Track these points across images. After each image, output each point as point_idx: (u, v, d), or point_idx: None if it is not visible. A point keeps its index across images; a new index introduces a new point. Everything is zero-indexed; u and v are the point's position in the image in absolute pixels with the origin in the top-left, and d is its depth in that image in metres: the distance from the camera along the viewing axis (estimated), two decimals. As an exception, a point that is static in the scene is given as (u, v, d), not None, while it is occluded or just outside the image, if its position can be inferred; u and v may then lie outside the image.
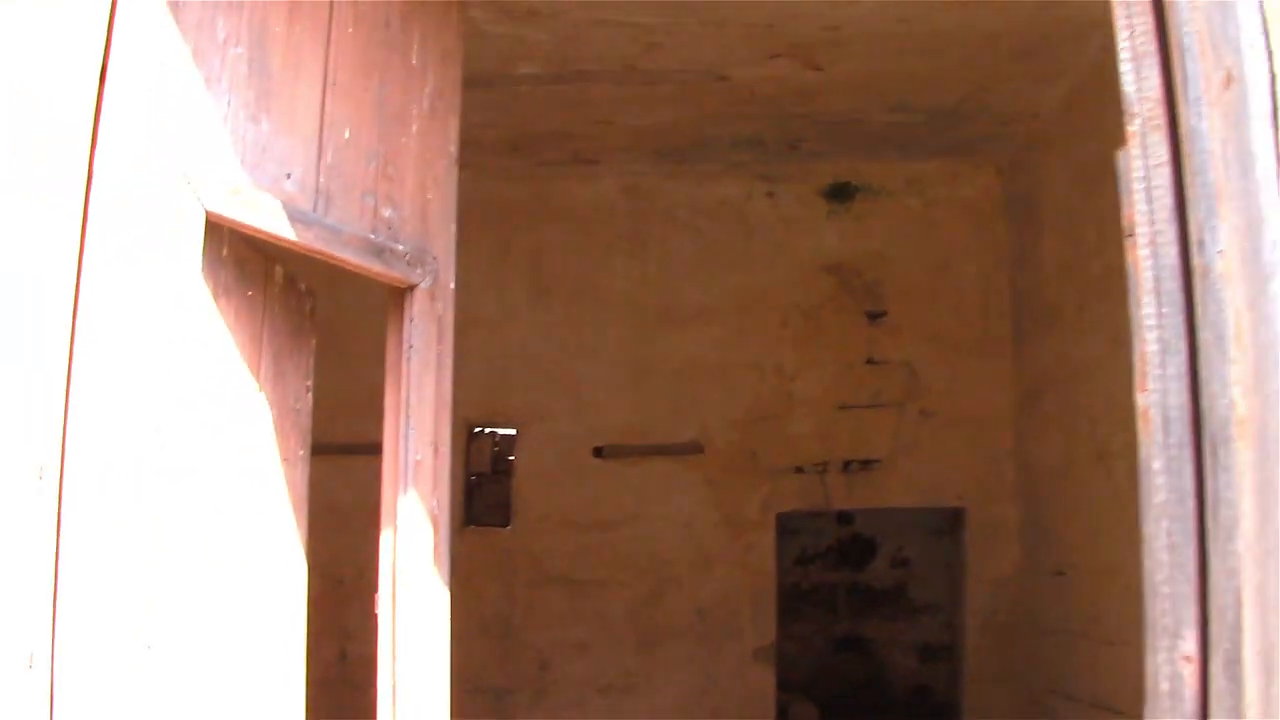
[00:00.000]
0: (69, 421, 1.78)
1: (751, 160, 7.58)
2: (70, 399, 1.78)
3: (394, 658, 2.27)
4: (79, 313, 1.82)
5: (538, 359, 7.60)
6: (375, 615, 2.35)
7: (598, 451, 7.66)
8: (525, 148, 7.22)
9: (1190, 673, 1.73)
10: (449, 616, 2.42)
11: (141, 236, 1.88)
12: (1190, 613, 1.72)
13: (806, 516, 8.02)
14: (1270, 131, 1.63)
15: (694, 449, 7.66)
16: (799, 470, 7.70)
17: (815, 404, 7.65)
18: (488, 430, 7.76)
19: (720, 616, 7.66)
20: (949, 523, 7.95)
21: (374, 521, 2.49)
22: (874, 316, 7.67)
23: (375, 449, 2.56)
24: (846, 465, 7.70)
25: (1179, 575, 1.73)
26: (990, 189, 7.79)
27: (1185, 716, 1.74)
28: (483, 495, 7.71)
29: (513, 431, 7.73)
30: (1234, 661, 1.64)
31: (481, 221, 7.27)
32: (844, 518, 8.37)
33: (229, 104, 2.07)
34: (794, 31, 5.77)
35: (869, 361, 7.64)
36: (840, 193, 7.81)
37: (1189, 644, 1.72)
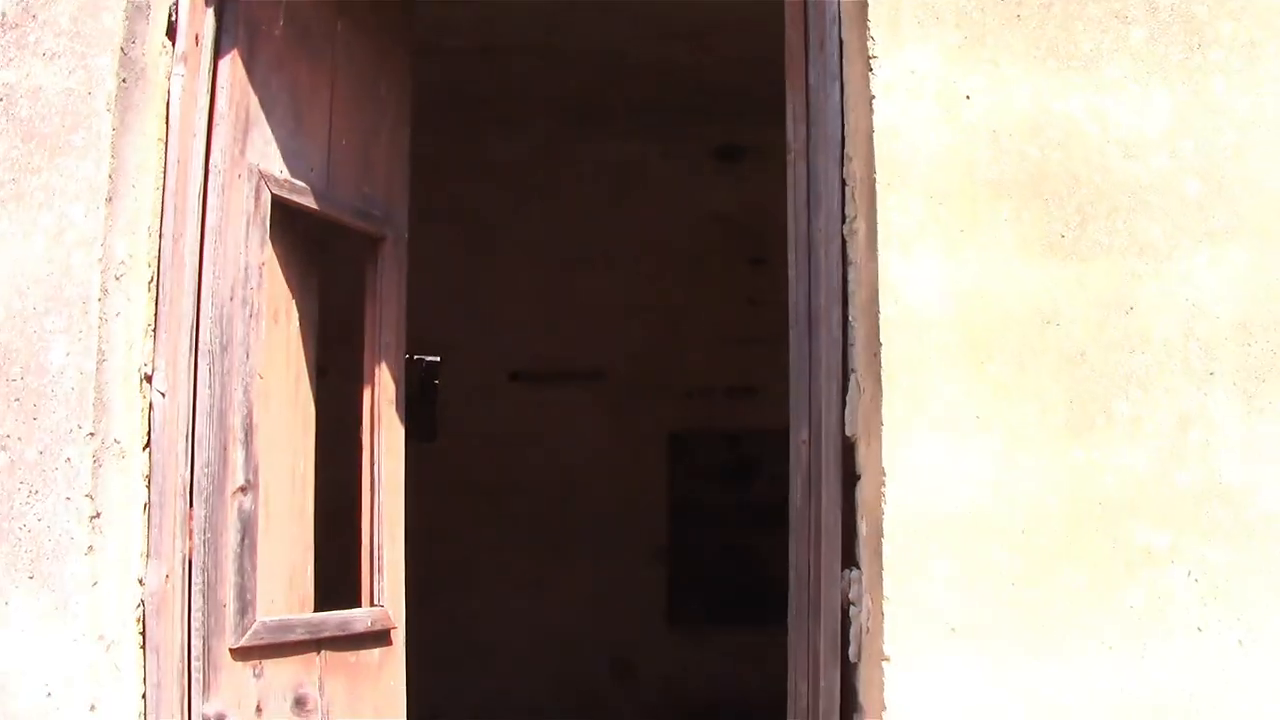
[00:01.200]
0: (200, 310, 3.53)
1: (650, 124, 9.35)
2: (201, 301, 3.54)
3: (372, 457, 4.06)
4: (204, 255, 3.57)
5: (462, 295, 9.37)
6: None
7: (514, 376, 9.47)
8: (456, 109, 8.97)
9: (803, 450, 3.52)
10: (404, 441, 4.21)
11: (237, 208, 3.64)
12: (805, 415, 3.52)
13: (698, 438, 9.83)
14: (837, 169, 3.43)
15: (597, 375, 9.49)
16: (689, 396, 9.57)
17: (703, 338, 9.48)
18: (416, 357, 9.52)
19: (620, 523, 9.49)
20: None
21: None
22: (756, 262, 9.48)
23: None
24: (730, 392, 9.55)
25: (801, 397, 3.53)
26: (863, 150, 9.60)
27: (803, 476, 3.54)
28: (413, 414, 9.38)
29: (439, 359, 9.53)
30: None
31: (415, 173, 9.01)
32: (732, 441, 10.15)
33: (279, 129, 3.82)
34: (682, 17, 7.55)
35: (750, 302, 9.46)
36: (729, 153, 9.60)
37: (804, 434, 3.52)
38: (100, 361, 3.22)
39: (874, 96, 3.24)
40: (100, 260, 3.25)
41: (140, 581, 3.34)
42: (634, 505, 9.53)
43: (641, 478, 9.54)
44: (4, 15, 3.41)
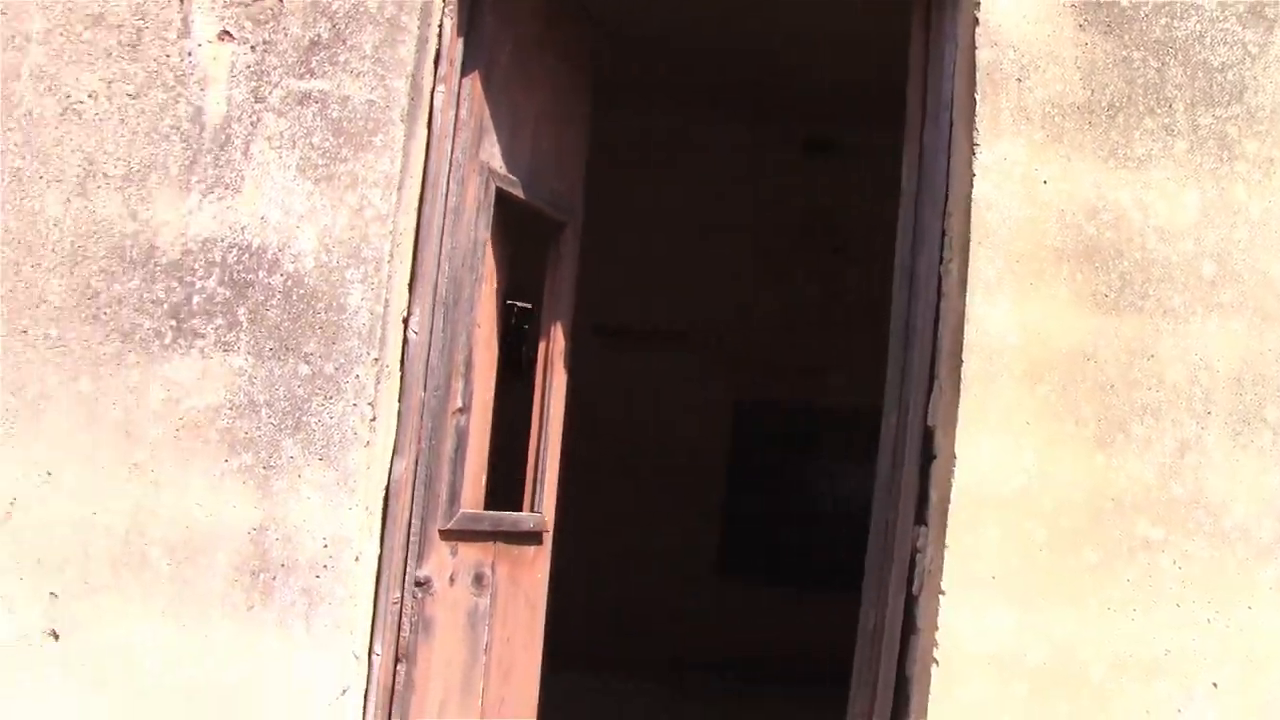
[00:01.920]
0: (440, 272, 4.84)
1: (750, 116, 10.66)
2: (441, 264, 4.85)
3: (543, 396, 5.39)
4: (445, 230, 4.88)
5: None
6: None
7: (597, 329, 10.81)
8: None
9: (892, 432, 4.81)
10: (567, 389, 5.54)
11: (472, 196, 4.95)
12: (895, 405, 4.81)
13: (765, 406, 11.16)
14: (939, 221, 4.71)
15: (678, 340, 10.82)
16: (760, 367, 10.89)
17: (781, 315, 10.80)
18: (509, 303, 10.83)
19: (684, 478, 10.84)
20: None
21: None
22: (836, 251, 10.78)
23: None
24: (801, 368, 10.87)
25: (893, 391, 4.81)
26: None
27: (890, 451, 4.84)
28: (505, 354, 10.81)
29: (530, 305, 10.84)
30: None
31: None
32: (798, 411, 11.42)
33: (501, 135, 5.12)
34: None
35: (828, 284, 10.77)
36: (818, 146, 10.89)
37: (894, 419, 4.81)
38: (385, 307, 4.56)
39: (974, 175, 4.54)
40: (390, 233, 4.58)
41: (388, 471, 4.68)
42: (699, 464, 10.91)
43: (709, 439, 10.91)
44: (319, 36, 4.72)
